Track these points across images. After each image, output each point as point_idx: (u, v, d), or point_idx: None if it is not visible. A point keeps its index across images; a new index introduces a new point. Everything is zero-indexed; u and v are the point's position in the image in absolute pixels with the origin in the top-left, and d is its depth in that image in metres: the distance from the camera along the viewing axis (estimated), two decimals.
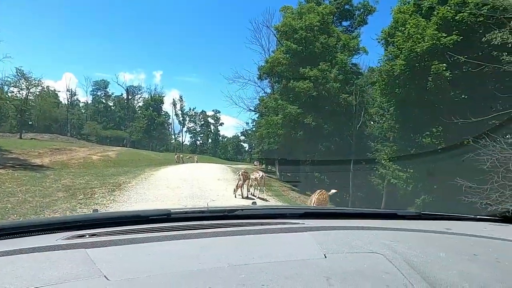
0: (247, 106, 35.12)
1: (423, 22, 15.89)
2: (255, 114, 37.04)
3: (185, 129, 78.86)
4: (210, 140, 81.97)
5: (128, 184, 12.62)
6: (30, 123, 50.72)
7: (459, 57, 13.40)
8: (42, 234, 1.28)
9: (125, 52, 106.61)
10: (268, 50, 32.82)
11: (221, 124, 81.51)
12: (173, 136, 78.67)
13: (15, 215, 7.10)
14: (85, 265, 0.92)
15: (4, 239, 1.21)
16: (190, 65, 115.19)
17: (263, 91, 33.50)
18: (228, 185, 13.47)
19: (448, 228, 1.51)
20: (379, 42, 20.34)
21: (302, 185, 25.01)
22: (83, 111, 73.69)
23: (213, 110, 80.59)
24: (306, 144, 26.40)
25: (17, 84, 38.86)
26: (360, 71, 30.35)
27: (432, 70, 14.92)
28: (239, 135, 70.51)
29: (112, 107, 75.06)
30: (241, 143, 76.30)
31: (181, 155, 39.53)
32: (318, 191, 8.68)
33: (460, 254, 1.18)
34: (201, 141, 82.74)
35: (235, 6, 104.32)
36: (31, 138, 36.19)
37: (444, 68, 14.67)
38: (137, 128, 64.83)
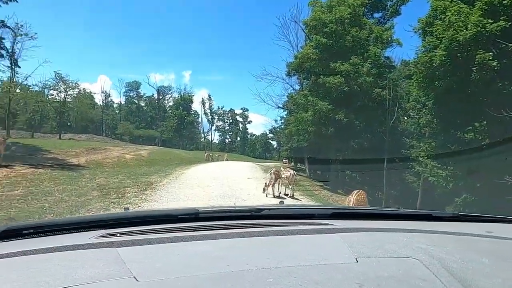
0: (275, 103, 34.96)
1: (465, 8, 14.69)
2: (283, 111, 36.84)
3: (214, 127, 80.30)
4: (238, 138, 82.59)
5: (160, 183, 12.73)
6: (68, 124, 53.34)
7: (508, 44, 12.29)
8: (76, 232, 1.30)
9: (156, 53, 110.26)
10: (297, 46, 32.29)
11: (249, 122, 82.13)
12: (202, 135, 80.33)
13: (52, 214, 7.24)
14: (115, 264, 0.92)
15: (40, 236, 1.23)
16: (218, 64, 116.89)
17: (291, 88, 33.13)
18: (259, 184, 13.25)
19: (490, 231, 1.40)
20: (415, 32, 19.13)
21: (333, 184, 24.44)
22: (117, 111, 76.78)
23: (241, 108, 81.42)
24: (337, 141, 25.66)
25: (56, 87, 41.12)
26: (393, 64, 29.10)
27: (476, 60, 13.75)
28: (267, 132, 70.66)
29: (144, 107, 77.69)
30: (269, 140, 76.33)
31: (211, 154, 39.96)
32: (356, 191, 8.23)
33: (504, 260, 1.09)
34: (229, 139, 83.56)
35: (262, 2, 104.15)
36: (69, 139, 38.04)
37: (490, 58, 13.48)
38: (168, 127, 66.65)
